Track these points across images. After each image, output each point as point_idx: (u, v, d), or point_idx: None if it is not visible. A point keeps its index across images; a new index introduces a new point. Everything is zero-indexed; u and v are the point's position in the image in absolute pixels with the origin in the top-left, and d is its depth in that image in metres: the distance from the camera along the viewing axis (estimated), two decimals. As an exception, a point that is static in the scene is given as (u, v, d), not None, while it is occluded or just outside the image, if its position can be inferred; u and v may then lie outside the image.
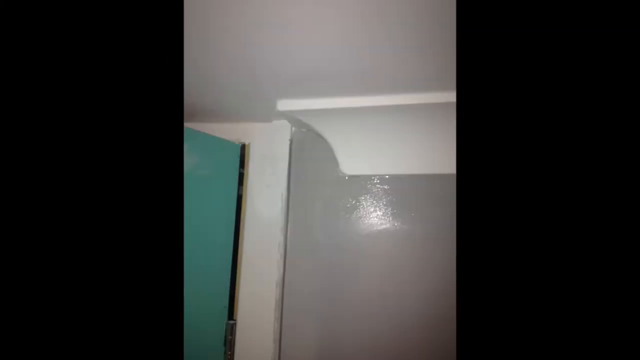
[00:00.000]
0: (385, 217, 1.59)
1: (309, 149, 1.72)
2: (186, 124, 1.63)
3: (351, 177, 1.65)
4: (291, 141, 1.73)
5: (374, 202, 1.61)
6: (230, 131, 1.74)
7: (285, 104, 1.51)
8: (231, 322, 1.61)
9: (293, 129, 1.74)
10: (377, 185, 1.62)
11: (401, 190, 1.59)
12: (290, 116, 1.60)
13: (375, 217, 1.60)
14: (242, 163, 1.73)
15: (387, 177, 1.61)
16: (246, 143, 1.75)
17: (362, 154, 1.62)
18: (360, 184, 1.63)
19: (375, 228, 1.59)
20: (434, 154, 1.53)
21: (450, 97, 1.33)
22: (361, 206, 1.62)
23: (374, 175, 1.62)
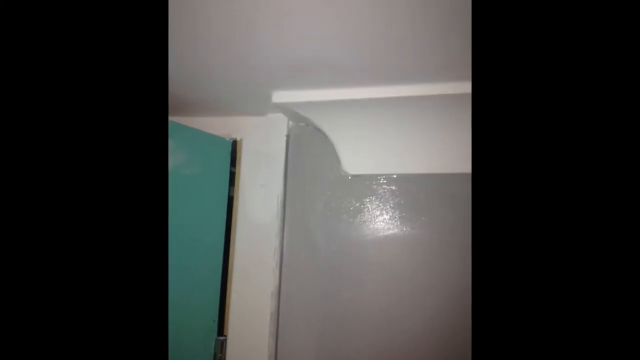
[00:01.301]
0: (393, 221, 1.59)
1: (307, 145, 1.72)
2: (171, 118, 1.63)
3: (354, 176, 1.65)
4: (288, 136, 1.72)
5: (380, 204, 1.61)
6: (221, 126, 1.74)
7: (281, 96, 1.50)
8: (221, 338, 1.61)
9: (290, 123, 1.73)
10: (384, 186, 1.62)
11: (410, 191, 1.59)
12: (286, 109, 1.60)
13: (381, 221, 1.60)
14: (234, 161, 1.73)
15: (394, 176, 1.61)
16: (238, 139, 1.75)
17: (367, 151, 1.62)
18: (364, 184, 1.63)
19: (381, 233, 1.59)
20: (447, 151, 1.53)
21: (465, 87, 1.33)
22: (366, 209, 1.62)
23: (380, 175, 1.62)
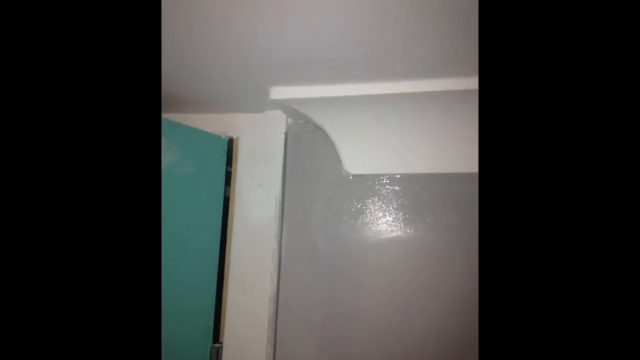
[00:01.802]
0: (396, 223, 1.59)
1: (307, 143, 1.72)
2: (164, 115, 1.63)
3: (356, 176, 1.64)
4: (286, 134, 1.72)
5: (383, 205, 1.61)
6: (216, 123, 1.74)
7: (279, 92, 1.50)
8: (217, 345, 1.60)
9: (289, 120, 1.73)
10: (386, 186, 1.61)
11: (414, 192, 1.59)
12: (285, 106, 1.60)
13: (384, 222, 1.60)
14: (230, 160, 1.73)
15: (397, 176, 1.61)
16: (234, 137, 1.75)
17: (369, 150, 1.61)
18: (366, 184, 1.63)
19: (384, 235, 1.59)
20: (452, 150, 1.53)
21: (471, 83, 1.33)
22: (368, 210, 1.62)
23: (383, 175, 1.62)
